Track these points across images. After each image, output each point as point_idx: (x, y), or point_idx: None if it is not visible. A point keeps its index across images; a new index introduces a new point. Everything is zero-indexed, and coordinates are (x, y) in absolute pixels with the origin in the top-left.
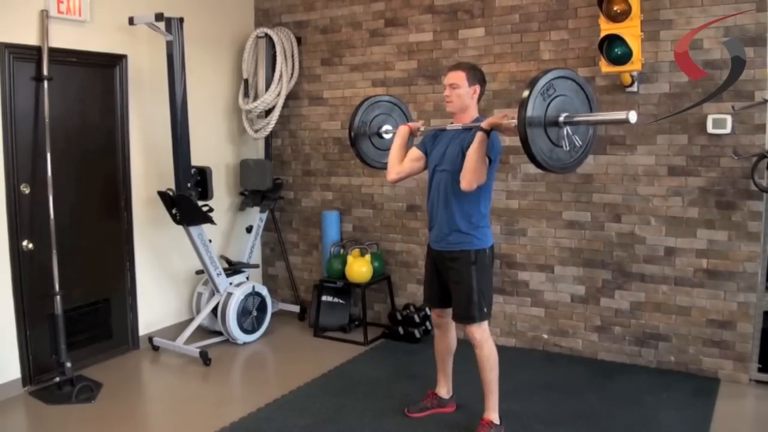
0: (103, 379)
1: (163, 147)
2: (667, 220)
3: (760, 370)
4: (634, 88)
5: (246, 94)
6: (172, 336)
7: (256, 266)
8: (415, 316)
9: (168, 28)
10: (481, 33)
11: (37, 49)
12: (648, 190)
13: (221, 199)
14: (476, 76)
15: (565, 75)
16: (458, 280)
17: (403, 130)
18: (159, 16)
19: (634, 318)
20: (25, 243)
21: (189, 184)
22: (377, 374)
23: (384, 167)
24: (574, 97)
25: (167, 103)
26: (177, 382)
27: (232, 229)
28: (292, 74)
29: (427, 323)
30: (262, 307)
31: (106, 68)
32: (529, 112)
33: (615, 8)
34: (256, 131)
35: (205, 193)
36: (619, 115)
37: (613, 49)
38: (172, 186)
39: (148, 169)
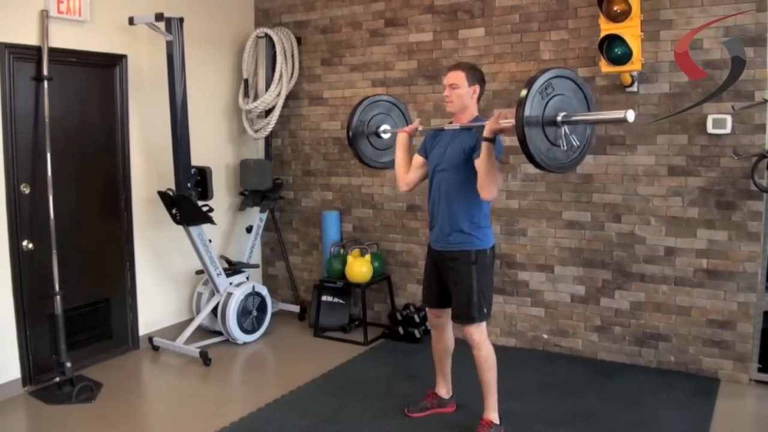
0: (103, 379)
1: (163, 147)
2: (667, 220)
3: (760, 370)
4: (634, 88)
5: (246, 94)
6: (172, 336)
7: (256, 266)
8: (415, 316)
9: (168, 28)
10: (481, 33)
11: (37, 49)
12: (648, 190)
13: (221, 199)
14: (476, 76)
15: (563, 74)
16: (458, 280)
17: (402, 138)
18: (159, 16)
19: (634, 318)
20: (25, 243)
21: (189, 184)
22: (377, 374)
23: (382, 167)
24: (573, 96)
25: (167, 103)
26: (177, 382)
27: (232, 229)
28: (292, 74)
29: (427, 323)
30: (262, 307)
31: (106, 68)
32: (527, 111)
33: (615, 8)
34: (256, 131)
35: (205, 193)
36: (618, 114)
37: (613, 49)
38: (172, 186)
39: (148, 169)
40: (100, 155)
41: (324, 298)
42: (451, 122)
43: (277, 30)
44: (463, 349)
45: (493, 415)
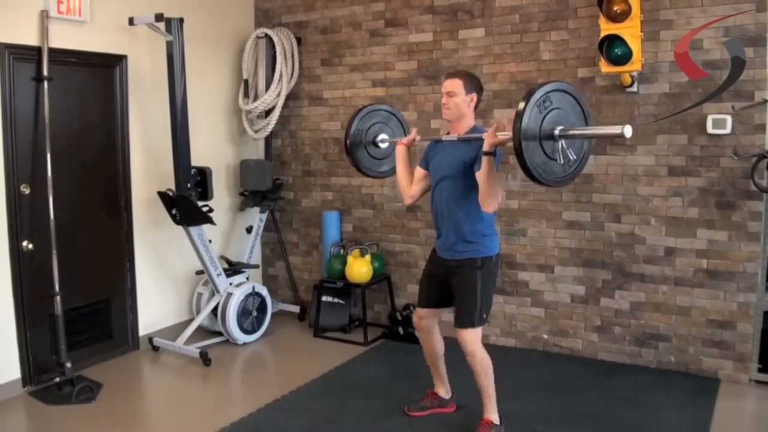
0: (103, 379)
1: (163, 147)
2: (667, 220)
3: (760, 370)
4: (634, 88)
5: (246, 95)
6: (172, 336)
7: (256, 266)
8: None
9: (168, 29)
10: (481, 33)
11: (37, 50)
12: (648, 190)
13: (221, 200)
14: (473, 84)
15: (561, 88)
16: (462, 284)
17: (401, 150)
18: (159, 17)
19: (634, 318)
20: (25, 243)
21: (189, 185)
22: (377, 374)
23: (379, 176)
24: (570, 110)
25: (167, 103)
26: (177, 383)
27: (232, 229)
28: (292, 74)
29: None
30: (262, 308)
31: (106, 68)
32: (525, 124)
33: (615, 8)
34: (256, 131)
35: (205, 193)
36: (615, 129)
37: (613, 49)
38: (172, 186)
39: (148, 169)
40: (100, 155)
41: (324, 298)
42: (448, 132)
43: (277, 30)
44: (460, 350)
45: (493, 415)
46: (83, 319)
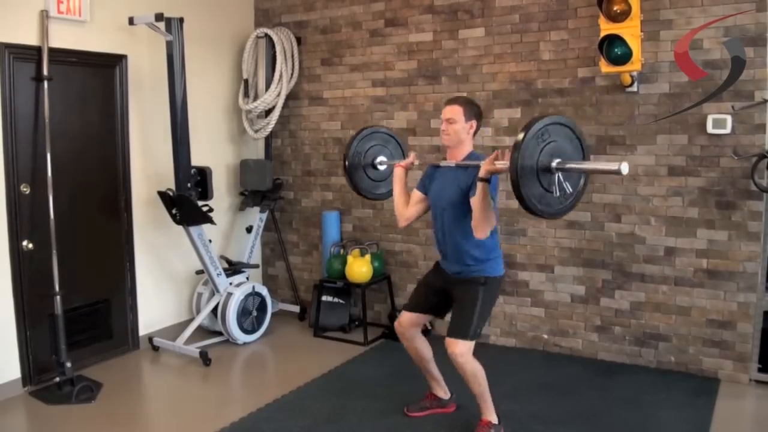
0: (103, 379)
1: (163, 147)
2: (667, 220)
3: (760, 370)
4: (634, 88)
5: (246, 94)
6: (172, 336)
7: (256, 266)
8: None
9: (168, 28)
10: (481, 33)
11: (37, 49)
12: (648, 190)
13: (221, 199)
14: (473, 111)
15: (560, 121)
16: (463, 297)
17: (398, 172)
18: (159, 17)
19: (634, 318)
20: (25, 243)
21: (189, 184)
22: (377, 374)
23: (377, 198)
24: (568, 144)
25: (167, 103)
26: (177, 383)
27: (232, 229)
28: (292, 74)
29: (427, 323)
30: (262, 307)
31: (106, 68)
32: (522, 155)
33: (615, 8)
34: (256, 131)
35: (205, 193)
36: (612, 165)
37: (613, 49)
38: (172, 186)
39: (148, 169)
40: (100, 155)
41: (324, 298)
42: (445, 158)
43: (277, 30)
44: None
45: (491, 416)
46: (83, 319)
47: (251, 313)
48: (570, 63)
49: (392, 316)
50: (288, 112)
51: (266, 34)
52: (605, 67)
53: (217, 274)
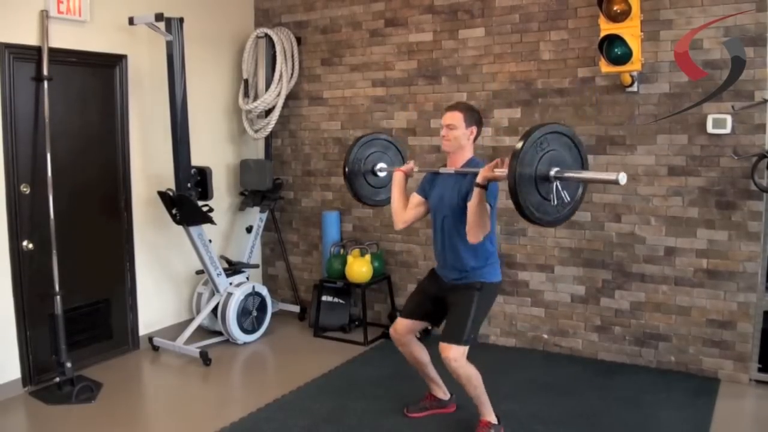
0: (103, 379)
1: (163, 147)
2: (667, 220)
3: (760, 370)
4: (634, 88)
5: (246, 94)
6: (172, 336)
7: (256, 266)
8: None
9: (168, 28)
10: (481, 33)
11: (37, 49)
12: (648, 190)
13: (221, 199)
14: (473, 117)
15: (560, 131)
16: (457, 302)
17: (398, 176)
18: (159, 16)
19: (634, 318)
20: (25, 243)
21: (189, 184)
22: (377, 374)
23: (377, 204)
24: (567, 153)
25: (167, 103)
26: (177, 383)
27: (232, 229)
28: (292, 74)
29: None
30: (262, 307)
31: (106, 68)
32: (521, 163)
33: (615, 8)
34: (256, 131)
35: (205, 193)
36: (610, 176)
37: (613, 49)
38: (172, 186)
39: (148, 169)
40: (100, 155)
41: (324, 298)
42: (444, 165)
43: (277, 30)
44: None
45: (490, 416)
46: (83, 319)
47: (251, 313)
48: (570, 63)
49: (392, 316)
50: (288, 112)
51: (266, 34)
52: (605, 67)
53: (217, 274)
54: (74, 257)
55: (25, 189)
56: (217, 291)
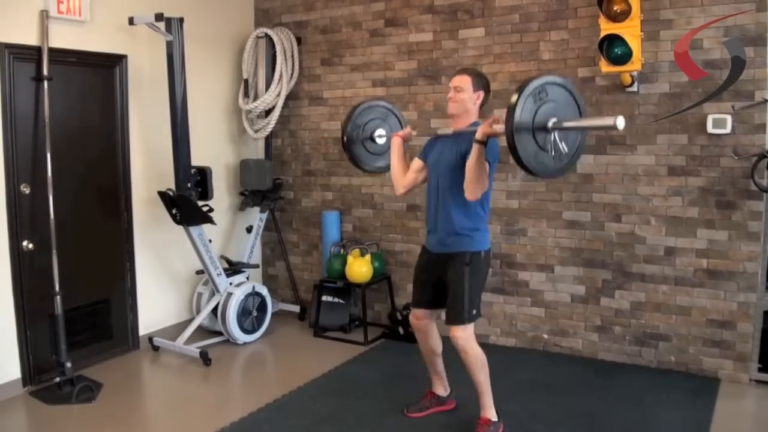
0: (103, 379)
1: (163, 147)
2: (667, 220)
3: (760, 370)
4: (634, 88)
5: (246, 94)
6: (172, 336)
7: (256, 266)
8: None
9: (168, 28)
10: (481, 33)
11: (37, 49)
12: (648, 190)
13: (221, 199)
14: (481, 82)
15: (559, 82)
16: (451, 281)
17: (396, 141)
18: (159, 17)
19: (634, 318)
20: (25, 243)
21: (189, 184)
22: (377, 374)
23: (377, 171)
24: (566, 105)
25: (167, 103)
26: (177, 383)
27: (232, 229)
28: (292, 74)
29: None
30: (262, 307)
31: (106, 68)
32: (518, 111)
33: (615, 8)
34: (256, 131)
35: (205, 193)
36: (607, 120)
37: (613, 49)
38: (172, 186)
39: (148, 169)
40: (100, 155)
41: (324, 298)
42: (447, 127)
43: (277, 30)
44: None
45: (490, 412)
46: (83, 319)
47: (251, 313)
48: (570, 63)
49: (392, 316)
50: (288, 112)
51: (266, 34)
52: (605, 67)
53: (217, 274)
54: (74, 257)
55: (25, 189)
56: (217, 291)
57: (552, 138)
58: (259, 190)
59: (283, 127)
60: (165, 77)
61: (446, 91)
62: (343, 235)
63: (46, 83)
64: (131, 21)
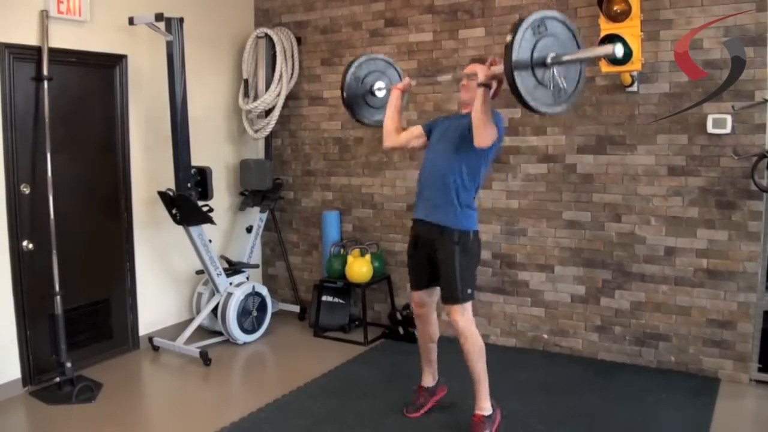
0: (103, 379)
1: (163, 147)
2: (667, 220)
3: (760, 369)
4: (634, 88)
5: (246, 94)
6: (172, 336)
7: (256, 266)
8: None
9: (168, 28)
10: (481, 33)
11: (37, 49)
12: (648, 190)
13: (221, 199)
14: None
15: (559, 18)
16: (442, 260)
17: (394, 94)
18: (159, 17)
19: (634, 318)
20: (25, 243)
21: (189, 184)
22: (377, 374)
23: (377, 125)
24: (566, 42)
25: (167, 103)
26: (177, 383)
27: (232, 229)
28: (292, 74)
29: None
30: (262, 307)
31: (106, 68)
32: (516, 46)
33: (615, 8)
34: (256, 131)
35: (205, 193)
36: (605, 49)
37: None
38: (172, 186)
39: (148, 169)
40: (100, 155)
41: (324, 298)
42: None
43: (277, 30)
44: (453, 346)
45: (484, 405)
46: (83, 319)
47: (251, 313)
48: None
49: (392, 316)
50: (288, 112)
51: (266, 34)
52: (605, 67)
53: (217, 274)
54: (74, 257)
55: (25, 189)
56: (217, 291)
57: (551, 73)
58: (259, 190)
59: (283, 127)
60: (165, 77)
61: (446, 91)
62: (343, 235)
63: (46, 83)
64: (131, 21)
